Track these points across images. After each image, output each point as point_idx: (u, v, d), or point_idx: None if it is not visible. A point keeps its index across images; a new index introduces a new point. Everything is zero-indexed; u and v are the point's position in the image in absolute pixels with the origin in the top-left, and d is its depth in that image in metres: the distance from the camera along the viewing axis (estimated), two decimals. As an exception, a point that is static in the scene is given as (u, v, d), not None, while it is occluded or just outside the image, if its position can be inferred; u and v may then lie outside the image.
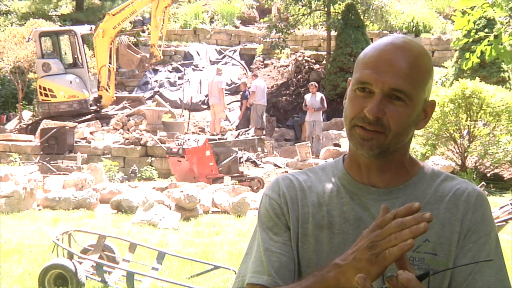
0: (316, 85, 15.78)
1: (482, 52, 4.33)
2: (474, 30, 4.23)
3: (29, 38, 16.46)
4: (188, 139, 11.71)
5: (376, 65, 1.29)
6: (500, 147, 11.46)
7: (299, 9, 18.91)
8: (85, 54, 16.61)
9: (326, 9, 18.60)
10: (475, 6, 4.15)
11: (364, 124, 1.29)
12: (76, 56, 16.83)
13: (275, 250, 1.35)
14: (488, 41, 4.28)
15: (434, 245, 1.29)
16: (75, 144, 14.02)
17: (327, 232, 1.35)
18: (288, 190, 1.41)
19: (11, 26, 20.98)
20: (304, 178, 1.44)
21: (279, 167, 13.39)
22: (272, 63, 20.26)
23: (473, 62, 4.34)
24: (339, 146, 14.27)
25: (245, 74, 20.12)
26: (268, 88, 18.92)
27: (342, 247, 1.30)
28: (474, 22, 4.21)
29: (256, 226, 1.44)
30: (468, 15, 4.16)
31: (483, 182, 10.01)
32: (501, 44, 4.28)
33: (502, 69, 15.12)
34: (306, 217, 1.37)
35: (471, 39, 4.41)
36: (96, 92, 16.61)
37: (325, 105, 15.26)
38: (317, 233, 1.35)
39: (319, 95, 15.30)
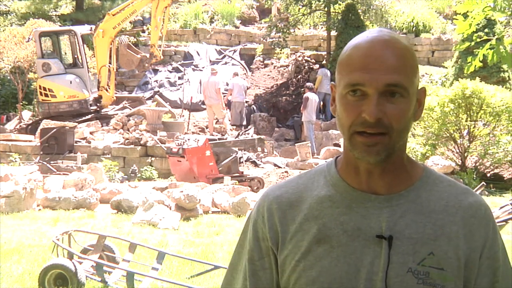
0: (308, 85, 15.80)
1: (483, 55, 4.32)
2: (476, 34, 4.19)
3: (29, 38, 16.43)
4: (188, 139, 11.70)
5: (365, 65, 1.22)
6: (500, 147, 11.45)
7: (299, 9, 18.90)
8: (85, 54, 16.59)
9: (326, 9, 18.59)
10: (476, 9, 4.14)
11: (364, 128, 1.22)
12: (76, 56, 16.81)
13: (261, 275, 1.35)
14: (490, 44, 4.26)
15: (439, 259, 1.24)
16: (75, 144, 14.01)
17: (326, 246, 1.27)
18: (277, 209, 1.34)
19: (11, 26, 20.95)
20: (293, 189, 1.35)
21: (279, 167, 13.38)
22: (272, 63, 20.25)
23: (475, 66, 4.32)
24: (339, 146, 14.26)
25: (245, 74, 20.12)
26: (268, 88, 18.94)
27: (342, 260, 1.25)
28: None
29: (245, 233, 1.40)
30: (470, 18, 4.15)
31: (483, 182, 10.00)
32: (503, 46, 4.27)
33: (502, 69, 15.12)
34: (299, 234, 1.30)
35: (473, 43, 4.39)
36: (96, 92, 16.59)
37: (305, 104, 15.03)
38: (314, 249, 1.27)
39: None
